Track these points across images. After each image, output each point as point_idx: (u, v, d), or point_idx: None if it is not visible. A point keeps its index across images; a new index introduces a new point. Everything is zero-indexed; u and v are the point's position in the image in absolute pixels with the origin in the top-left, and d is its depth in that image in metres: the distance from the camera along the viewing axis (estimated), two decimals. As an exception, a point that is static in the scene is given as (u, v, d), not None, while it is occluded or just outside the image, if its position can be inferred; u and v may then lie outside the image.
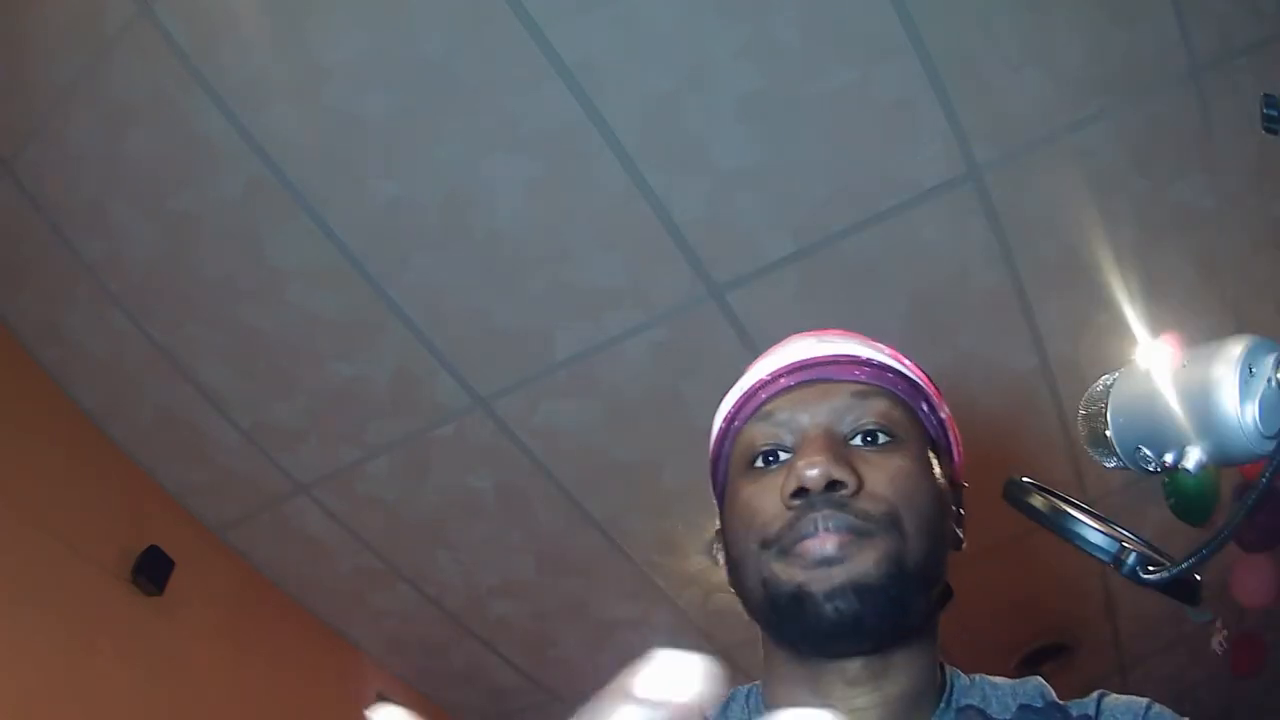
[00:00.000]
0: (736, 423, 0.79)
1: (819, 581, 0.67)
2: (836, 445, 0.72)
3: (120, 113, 1.90)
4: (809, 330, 0.84)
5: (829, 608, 0.66)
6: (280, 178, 1.98)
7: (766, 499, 0.72)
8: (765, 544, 0.71)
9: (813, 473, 0.69)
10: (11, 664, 1.97)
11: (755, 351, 0.82)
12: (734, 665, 0.86)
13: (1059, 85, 1.94)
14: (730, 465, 0.79)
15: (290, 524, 2.61)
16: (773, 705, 0.75)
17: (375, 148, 1.95)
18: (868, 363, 0.78)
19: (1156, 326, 2.28)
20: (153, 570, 2.34)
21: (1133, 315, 2.25)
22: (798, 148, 2.00)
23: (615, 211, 2.05)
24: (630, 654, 0.27)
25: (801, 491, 0.70)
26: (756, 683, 0.79)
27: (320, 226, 2.05)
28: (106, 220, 2.06)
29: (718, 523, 0.82)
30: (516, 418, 2.39)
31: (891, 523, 0.69)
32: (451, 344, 2.26)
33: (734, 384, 0.83)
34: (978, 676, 0.76)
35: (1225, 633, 3.20)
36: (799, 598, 0.68)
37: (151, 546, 2.36)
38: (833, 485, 0.69)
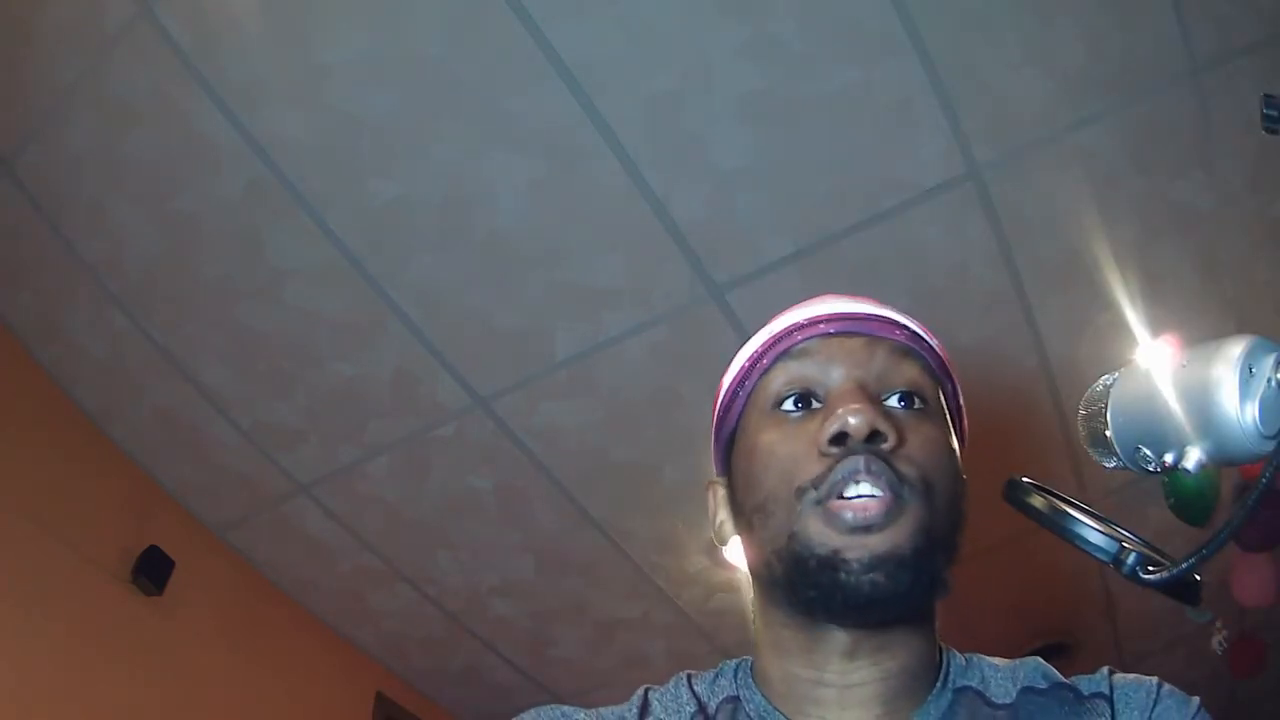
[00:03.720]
0: (765, 360, 0.76)
1: (855, 549, 0.64)
2: (875, 399, 0.70)
3: (120, 113, 1.90)
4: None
5: (865, 580, 0.63)
6: (280, 178, 1.98)
7: (798, 444, 0.69)
8: (801, 491, 0.67)
9: (857, 420, 0.66)
10: (11, 664, 1.97)
11: (756, 352, 0.82)
12: (734, 665, 0.86)
13: (1059, 85, 1.94)
14: (749, 406, 0.76)
15: (290, 524, 2.61)
16: (763, 677, 0.74)
17: (375, 148, 1.95)
18: (905, 327, 0.77)
19: (1156, 326, 2.28)
20: (153, 570, 2.34)
21: (1133, 315, 2.25)
22: (798, 148, 2.00)
23: (615, 211, 2.05)
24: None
25: (841, 438, 0.67)
26: (746, 658, 0.78)
27: (320, 226, 2.05)
28: (106, 220, 2.06)
29: (715, 473, 0.80)
30: (516, 418, 2.39)
31: (925, 490, 0.67)
32: (451, 344, 2.26)
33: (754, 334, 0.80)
34: (974, 656, 0.75)
35: (1225, 633, 3.20)
36: (833, 564, 0.64)
37: (151, 546, 2.36)
38: (873, 436, 0.67)
